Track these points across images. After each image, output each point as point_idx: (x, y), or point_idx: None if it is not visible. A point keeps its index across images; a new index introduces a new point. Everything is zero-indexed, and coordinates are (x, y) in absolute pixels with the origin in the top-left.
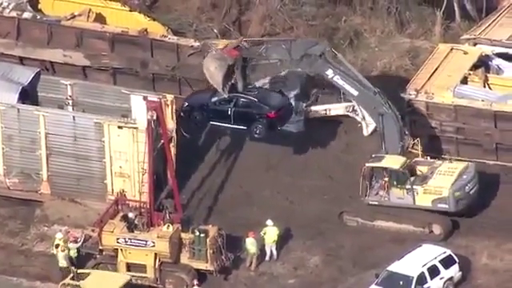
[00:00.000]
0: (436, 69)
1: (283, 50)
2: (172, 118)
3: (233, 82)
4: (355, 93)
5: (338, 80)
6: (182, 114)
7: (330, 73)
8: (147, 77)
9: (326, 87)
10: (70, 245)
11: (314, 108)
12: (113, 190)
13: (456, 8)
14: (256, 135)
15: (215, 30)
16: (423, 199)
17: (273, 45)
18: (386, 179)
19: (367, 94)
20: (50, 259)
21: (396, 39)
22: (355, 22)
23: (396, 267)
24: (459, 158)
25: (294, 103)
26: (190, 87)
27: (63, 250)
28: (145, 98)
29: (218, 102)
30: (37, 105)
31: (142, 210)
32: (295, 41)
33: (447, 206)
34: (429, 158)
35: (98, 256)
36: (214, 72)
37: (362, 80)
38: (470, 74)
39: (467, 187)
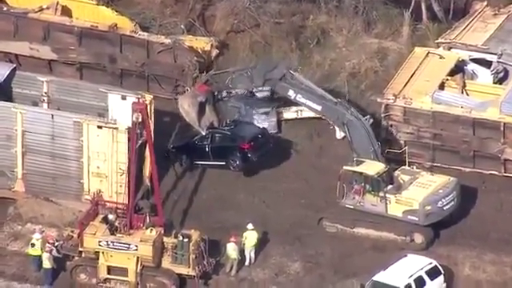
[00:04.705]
0: (413, 73)
1: (246, 78)
2: (151, 118)
3: (212, 120)
4: (318, 107)
5: (301, 98)
6: (167, 155)
7: (291, 93)
8: (115, 72)
9: None
10: (45, 254)
11: (285, 110)
12: (89, 189)
13: (423, 9)
14: (233, 169)
15: (182, 26)
16: (395, 209)
17: (236, 75)
18: (362, 184)
19: (329, 106)
20: (25, 259)
21: (363, 39)
22: (321, 21)
23: (382, 277)
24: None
25: (264, 104)
26: (158, 84)
27: (48, 251)
28: (124, 97)
29: (197, 140)
30: (11, 101)
31: (119, 212)
32: (255, 67)
33: (417, 219)
34: (415, 167)
35: (76, 258)
36: (188, 110)
37: (322, 93)
38: (447, 80)
39: (440, 202)
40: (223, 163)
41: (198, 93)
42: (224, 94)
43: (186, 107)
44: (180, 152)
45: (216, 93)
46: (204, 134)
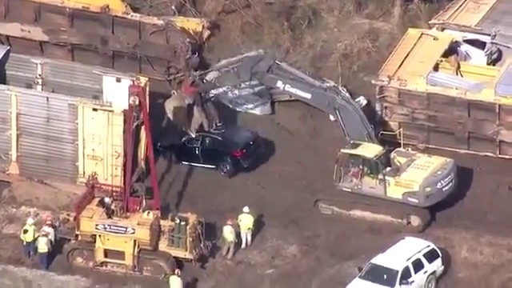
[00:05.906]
0: (407, 55)
1: (232, 74)
2: (145, 100)
3: (201, 122)
4: (308, 96)
5: (290, 88)
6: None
7: (279, 84)
8: (107, 54)
9: None
10: (42, 239)
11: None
12: (84, 172)
13: None
14: (223, 173)
15: (173, 7)
16: (394, 191)
17: (222, 73)
18: (360, 167)
19: (319, 92)
20: (21, 242)
21: (354, 20)
22: (312, 1)
23: (380, 260)
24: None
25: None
26: (150, 66)
27: (44, 235)
28: (118, 80)
29: (186, 141)
30: (4, 83)
31: (115, 194)
32: (242, 62)
33: (417, 201)
34: (410, 149)
35: (73, 241)
36: (175, 113)
37: (311, 81)
38: (441, 61)
39: (440, 184)
40: (213, 167)
41: (184, 95)
42: (211, 93)
43: (174, 110)
44: (168, 151)
45: (203, 93)
46: (194, 136)
